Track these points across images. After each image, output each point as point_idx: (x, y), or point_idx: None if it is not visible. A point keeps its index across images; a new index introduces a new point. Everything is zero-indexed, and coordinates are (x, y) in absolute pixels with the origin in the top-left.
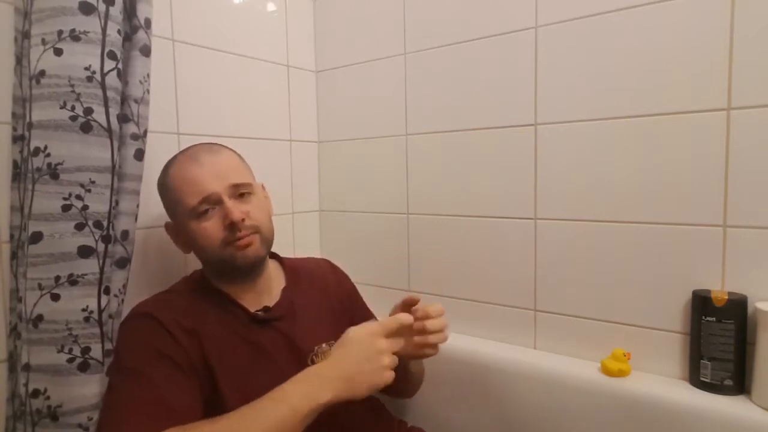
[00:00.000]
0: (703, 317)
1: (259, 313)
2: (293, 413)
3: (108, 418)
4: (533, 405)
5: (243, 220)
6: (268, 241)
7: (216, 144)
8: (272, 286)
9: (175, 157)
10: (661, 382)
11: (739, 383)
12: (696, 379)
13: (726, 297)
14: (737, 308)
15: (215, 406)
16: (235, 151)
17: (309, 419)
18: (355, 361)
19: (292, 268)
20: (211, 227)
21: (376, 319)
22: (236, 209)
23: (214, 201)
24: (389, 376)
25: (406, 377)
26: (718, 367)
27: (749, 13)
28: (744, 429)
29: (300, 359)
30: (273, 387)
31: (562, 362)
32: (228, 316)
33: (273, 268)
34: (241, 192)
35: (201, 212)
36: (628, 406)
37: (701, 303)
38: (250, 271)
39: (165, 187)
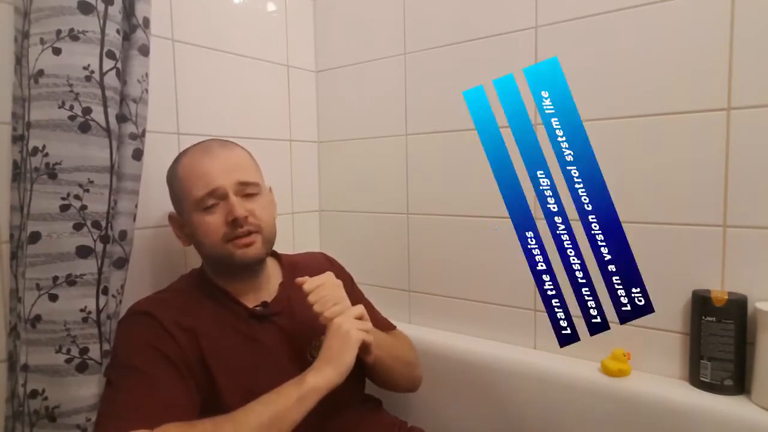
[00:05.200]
0: (703, 317)
1: (258, 308)
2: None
3: (106, 415)
4: (533, 405)
5: (246, 217)
6: (269, 242)
7: (230, 141)
8: (270, 282)
9: (187, 149)
10: (661, 382)
11: (739, 383)
12: (696, 379)
13: (726, 297)
14: (737, 308)
15: (214, 405)
16: (247, 150)
17: (306, 406)
18: (329, 345)
19: (289, 263)
20: (214, 222)
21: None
22: (240, 206)
23: (219, 195)
24: (356, 333)
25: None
26: (718, 367)
27: (749, 13)
28: (744, 429)
29: (298, 354)
30: (272, 383)
31: (562, 362)
32: (227, 313)
33: (270, 264)
34: (247, 191)
35: (206, 206)
36: (628, 406)
37: (701, 303)
38: (249, 269)
39: (174, 177)
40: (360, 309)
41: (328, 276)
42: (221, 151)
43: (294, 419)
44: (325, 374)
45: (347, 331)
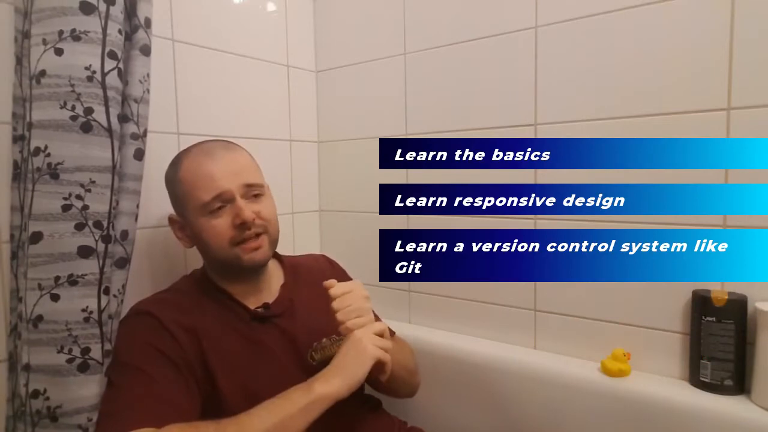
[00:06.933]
0: (703, 317)
1: (259, 310)
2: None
3: (107, 414)
4: (533, 405)
5: (254, 219)
6: (274, 242)
7: (229, 141)
8: (271, 284)
9: (187, 151)
10: (661, 382)
11: (739, 383)
12: (696, 379)
13: (726, 297)
14: (737, 308)
15: (214, 405)
16: (246, 150)
17: (312, 415)
18: (343, 355)
19: (290, 265)
20: (221, 225)
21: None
22: (248, 209)
23: (226, 199)
24: (374, 350)
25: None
26: (718, 367)
27: (749, 13)
28: (744, 429)
29: (300, 355)
30: (273, 385)
31: (562, 362)
32: (228, 314)
33: (272, 266)
34: (253, 192)
35: (212, 209)
36: (628, 406)
37: (701, 303)
38: (254, 272)
39: (175, 179)
40: (382, 326)
41: (356, 284)
42: (224, 153)
43: (299, 427)
44: (333, 384)
45: (365, 347)
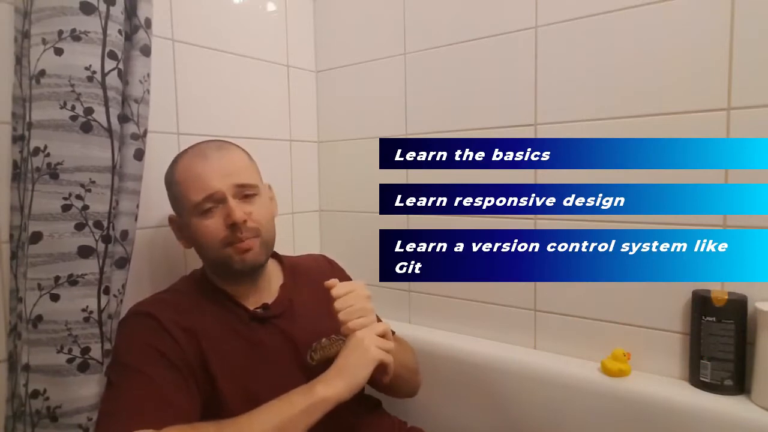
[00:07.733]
0: (703, 317)
1: (259, 311)
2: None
3: (106, 414)
4: (533, 405)
5: (245, 221)
6: (268, 246)
7: (226, 141)
8: (271, 284)
9: (184, 152)
10: (661, 382)
11: (739, 383)
12: (696, 379)
13: (726, 297)
14: (737, 308)
15: (215, 406)
16: (244, 150)
17: (313, 418)
18: (345, 357)
19: (290, 265)
20: (213, 226)
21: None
22: (239, 210)
23: (217, 199)
24: (376, 352)
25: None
26: (718, 367)
27: (749, 13)
28: (744, 429)
29: (299, 356)
30: (273, 385)
31: (562, 362)
32: (228, 314)
33: (271, 267)
34: (246, 193)
35: (204, 210)
36: (628, 406)
37: (701, 303)
38: (248, 274)
39: (172, 181)
40: (384, 327)
41: (358, 284)
42: (217, 153)
43: (300, 430)
44: (335, 386)
45: (367, 348)
